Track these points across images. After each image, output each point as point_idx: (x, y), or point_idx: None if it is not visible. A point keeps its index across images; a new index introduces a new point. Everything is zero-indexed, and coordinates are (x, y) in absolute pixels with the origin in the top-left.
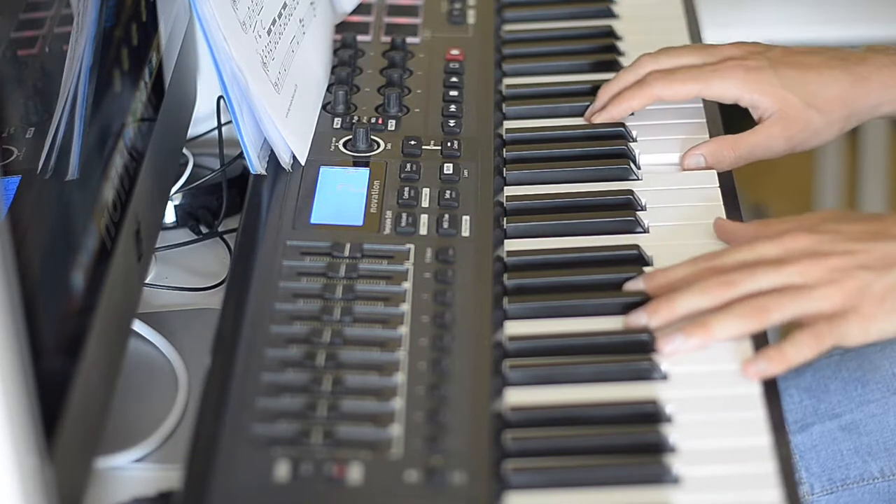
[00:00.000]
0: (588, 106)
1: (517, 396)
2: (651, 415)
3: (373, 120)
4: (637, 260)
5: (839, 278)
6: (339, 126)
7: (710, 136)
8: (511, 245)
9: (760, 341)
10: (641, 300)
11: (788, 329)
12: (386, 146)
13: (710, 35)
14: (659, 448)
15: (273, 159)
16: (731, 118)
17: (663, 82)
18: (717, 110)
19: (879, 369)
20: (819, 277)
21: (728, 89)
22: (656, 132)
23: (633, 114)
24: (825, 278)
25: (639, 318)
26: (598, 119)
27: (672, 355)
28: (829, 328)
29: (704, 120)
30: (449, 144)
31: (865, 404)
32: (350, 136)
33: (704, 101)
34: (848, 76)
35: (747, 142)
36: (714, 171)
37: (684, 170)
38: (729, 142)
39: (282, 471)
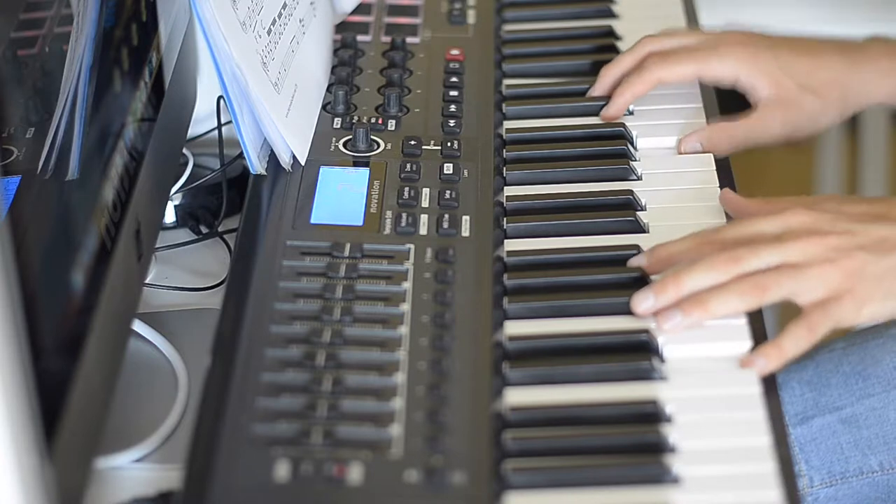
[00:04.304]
0: (588, 106)
1: (517, 396)
2: (651, 415)
3: (373, 120)
4: None
5: (837, 258)
6: (339, 126)
7: (707, 120)
8: (511, 245)
9: (760, 338)
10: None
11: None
12: (386, 146)
13: None
14: (659, 448)
15: (273, 159)
16: (728, 106)
17: (662, 65)
18: (714, 95)
19: (880, 363)
20: (817, 255)
21: (726, 70)
22: (653, 117)
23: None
24: (823, 257)
25: (645, 298)
26: (607, 114)
27: (671, 332)
28: (822, 317)
29: (701, 104)
30: (449, 144)
31: (866, 398)
32: (350, 136)
33: (701, 85)
34: (844, 61)
35: (744, 126)
36: (714, 171)
37: (681, 153)
38: (725, 127)
39: (282, 471)
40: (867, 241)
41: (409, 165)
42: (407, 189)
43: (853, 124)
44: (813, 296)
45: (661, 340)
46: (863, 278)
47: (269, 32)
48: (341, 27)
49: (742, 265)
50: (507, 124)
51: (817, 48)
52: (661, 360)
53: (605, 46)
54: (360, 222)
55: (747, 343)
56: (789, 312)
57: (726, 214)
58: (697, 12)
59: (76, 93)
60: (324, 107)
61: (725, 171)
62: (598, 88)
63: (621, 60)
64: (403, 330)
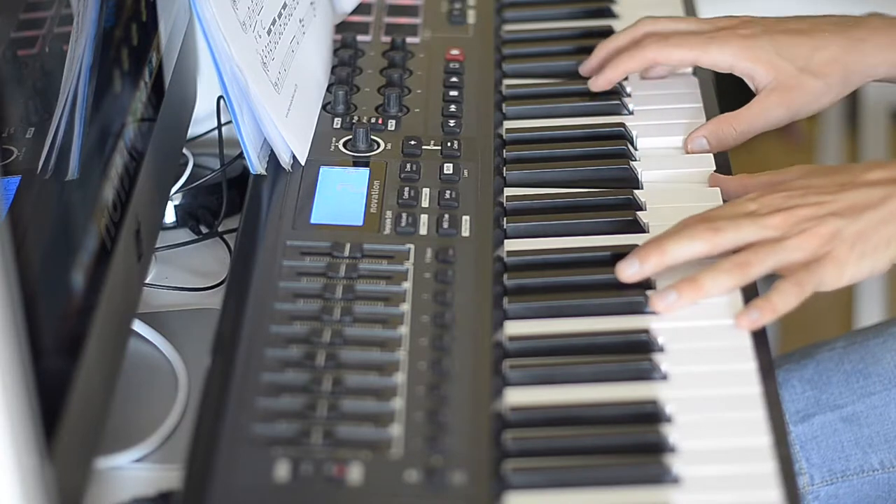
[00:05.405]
0: (588, 106)
1: (517, 396)
2: (651, 415)
3: (373, 120)
4: None
5: (811, 227)
6: (339, 126)
7: (707, 119)
8: (511, 245)
9: (760, 339)
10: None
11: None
12: (386, 146)
13: None
14: (659, 448)
15: (273, 159)
16: (728, 106)
17: (658, 46)
18: (714, 94)
19: (881, 362)
20: (792, 228)
21: (723, 57)
22: (653, 117)
23: (626, 78)
24: (797, 229)
25: (630, 265)
26: (595, 84)
27: (666, 311)
28: (807, 274)
29: (702, 104)
30: (449, 144)
31: (867, 396)
32: (350, 136)
33: (700, 85)
34: (842, 39)
35: (746, 116)
36: (714, 171)
37: (688, 153)
38: (728, 119)
39: (282, 471)
40: (837, 208)
41: (409, 165)
42: (407, 189)
43: (853, 122)
44: (795, 260)
45: (661, 340)
46: (838, 242)
47: (269, 32)
48: (341, 27)
49: (721, 235)
50: (507, 124)
51: (815, 28)
52: (661, 359)
53: None
54: (360, 222)
55: (748, 343)
56: (790, 324)
57: None
58: (697, 12)
59: (76, 93)
60: (324, 107)
61: (725, 170)
62: (592, 61)
63: (618, 37)
64: (403, 330)
